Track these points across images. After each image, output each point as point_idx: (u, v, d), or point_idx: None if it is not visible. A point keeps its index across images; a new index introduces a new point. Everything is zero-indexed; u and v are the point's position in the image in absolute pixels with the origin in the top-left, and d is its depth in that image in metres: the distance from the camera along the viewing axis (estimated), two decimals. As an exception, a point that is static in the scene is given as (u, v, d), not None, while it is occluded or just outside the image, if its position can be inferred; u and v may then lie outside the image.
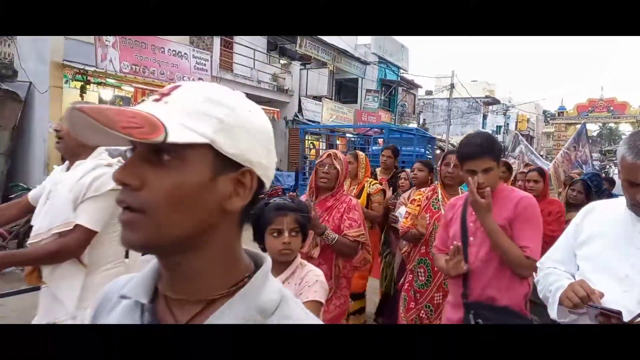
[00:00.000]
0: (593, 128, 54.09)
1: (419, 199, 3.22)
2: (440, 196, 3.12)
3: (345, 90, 21.19)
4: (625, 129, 42.20)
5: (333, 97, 19.46)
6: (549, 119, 44.30)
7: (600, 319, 1.41)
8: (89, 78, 9.04)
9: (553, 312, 1.61)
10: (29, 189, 6.82)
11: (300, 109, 16.46)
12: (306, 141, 11.10)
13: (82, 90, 9.03)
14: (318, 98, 17.38)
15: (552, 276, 1.68)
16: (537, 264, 1.84)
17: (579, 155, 8.85)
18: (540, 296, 1.75)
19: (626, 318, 1.39)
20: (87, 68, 8.98)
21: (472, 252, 2.19)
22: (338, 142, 19.52)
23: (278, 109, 13.71)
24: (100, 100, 11.01)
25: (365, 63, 21.04)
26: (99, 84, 9.31)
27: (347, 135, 19.38)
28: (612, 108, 33.05)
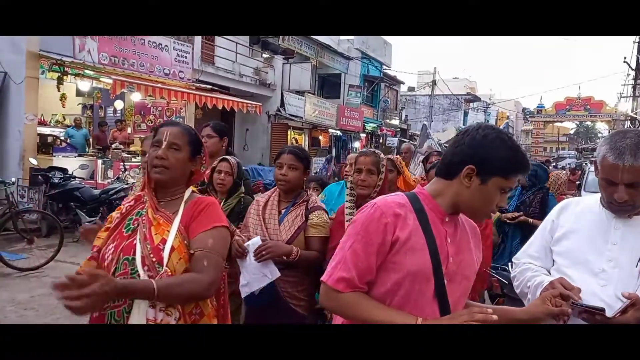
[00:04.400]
0: (570, 126, 55.23)
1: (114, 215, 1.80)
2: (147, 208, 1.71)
3: (328, 86, 21.16)
4: (601, 127, 43.18)
5: (316, 92, 19.43)
6: (528, 116, 45.00)
7: (584, 316, 1.44)
8: (66, 69, 8.83)
9: None
10: (3, 182, 6.65)
11: (282, 104, 16.38)
12: (288, 136, 11.05)
13: (59, 81, 8.83)
14: (301, 93, 17.32)
15: (529, 272, 1.71)
16: (513, 259, 1.89)
17: None
18: (517, 291, 1.79)
19: (606, 310, 1.42)
20: (64, 59, 8.78)
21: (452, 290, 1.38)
22: (321, 137, 19.58)
23: (260, 103, 13.61)
24: (78, 92, 10.79)
25: (348, 58, 21.03)
26: (76, 75, 9.11)
27: (330, 130, 19.44)
28: (588, 106, 33.73)
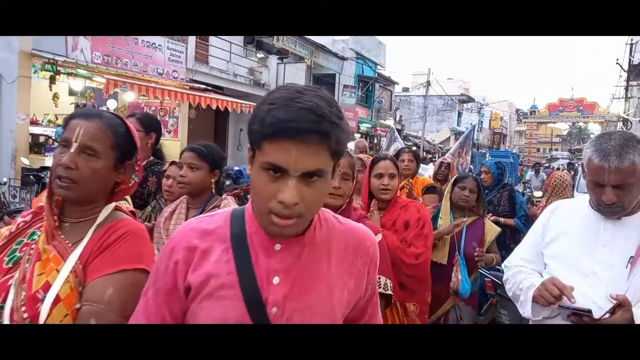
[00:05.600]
0: (563, 127, 55.56)
1: None
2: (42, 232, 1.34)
3: (322, 85, 21.00)
4: (594, 128, 43.51)
5: (310, 92, 19.39)
6: (521, 117, 45.24)
7: (572, 319, 1.45)
8: (58, 68, 8.77)
9: (525, 310, 1.65)
10: (-6, 182, 6.59)
11: (277, 104, 16.34)
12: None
13: (52, 80, 8.77)
14: (295, 93, 17.29)
15: (521, 274, 1.72)
16: (505, 262, 1.89)
17: (460, 162, 7.69)
18: (510, 294, 1.79)
19: (595, 312, 1.43)
20: (57, 58, 8.72)
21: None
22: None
23: (254, 103, 13.55)
24: (71, 92, 10.73)
25: (343, 58, 21.04)
26: (69, 74, 9.05)
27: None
28: (581, 108, 33.97)
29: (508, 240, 4.09)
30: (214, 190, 2.22)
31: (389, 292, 1.94)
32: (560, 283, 1.51)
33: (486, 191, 4.26)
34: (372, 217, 2.41)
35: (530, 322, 1.70)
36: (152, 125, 2.79)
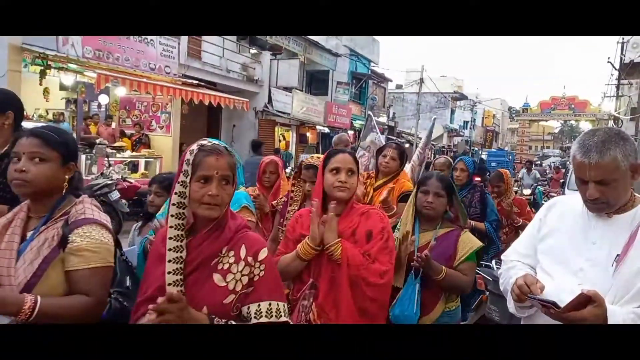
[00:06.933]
0: (555, 125, 55.96)
1: None
2: None
3: (316, 82, 21.11)
4: (586, 126, 43.84)
5: (304, 89, 19.38)
6: (513, 115, 45.48)
7: (543, 311, 1.47)
8: (49, 63, 8.68)
9: (510, 306, 1.68)
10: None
11: (270, 100, 16.30)
12: (276, 132, 10.97)
13: (42, 75, 8.68)
14: (288, 89, 17.26)
15: (513, 270, 1.73)
16: (502, 257, 1.90)
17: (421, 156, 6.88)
18: (502, 288, 1.81)
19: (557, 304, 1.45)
20: (47, 52, 8.63)
21: None
22: (309, 134, 19.53)
23: (247, 100, 13.52)
24: (62, 86, 10.63)
25: (337, 55, 21.00)
26: (59, 69, 8.96)
27: (318, 127, 19.41)
28: (573, 106, 34.16)
29: None
30: (64, 190, 1.61)
31: (284, 318, 1.45)
32: (531, 278, 1.54)
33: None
34: (329, 226, 1.93)
35: (522, 321, 1.71)
36: (5, 102, 2.29)
